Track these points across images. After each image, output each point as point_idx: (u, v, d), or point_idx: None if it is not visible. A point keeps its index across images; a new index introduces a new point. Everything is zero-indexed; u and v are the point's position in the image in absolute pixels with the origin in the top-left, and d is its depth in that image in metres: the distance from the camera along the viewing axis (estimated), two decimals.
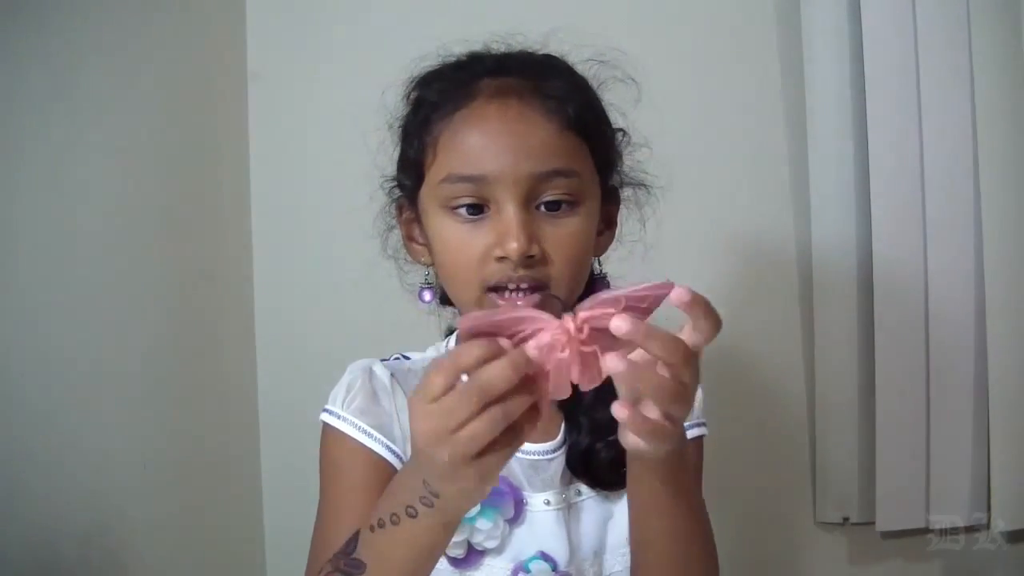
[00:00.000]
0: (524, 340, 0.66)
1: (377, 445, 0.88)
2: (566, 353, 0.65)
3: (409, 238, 0.94)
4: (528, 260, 0.83)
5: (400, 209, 0.95)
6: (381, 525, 0.74)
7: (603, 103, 0.93)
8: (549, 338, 0.65)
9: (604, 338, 0.65)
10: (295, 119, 1.47)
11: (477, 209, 0.84)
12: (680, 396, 0.66)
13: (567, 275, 0.85)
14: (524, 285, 0.83)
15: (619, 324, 0.62)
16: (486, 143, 0.84)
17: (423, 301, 0.93)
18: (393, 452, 0.88)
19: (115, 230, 1.18)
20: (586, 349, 0.65)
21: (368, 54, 1.45)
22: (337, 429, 0.89)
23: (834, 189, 1.43)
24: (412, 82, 0.93)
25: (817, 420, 1.44)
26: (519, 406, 0.65)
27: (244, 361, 1.44)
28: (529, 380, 0.65)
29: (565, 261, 0.84)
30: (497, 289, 0.84)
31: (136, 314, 1.21)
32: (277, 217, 1.47)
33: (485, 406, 0.64)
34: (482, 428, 0.64)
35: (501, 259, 0.83)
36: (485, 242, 0.84)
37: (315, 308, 1.45)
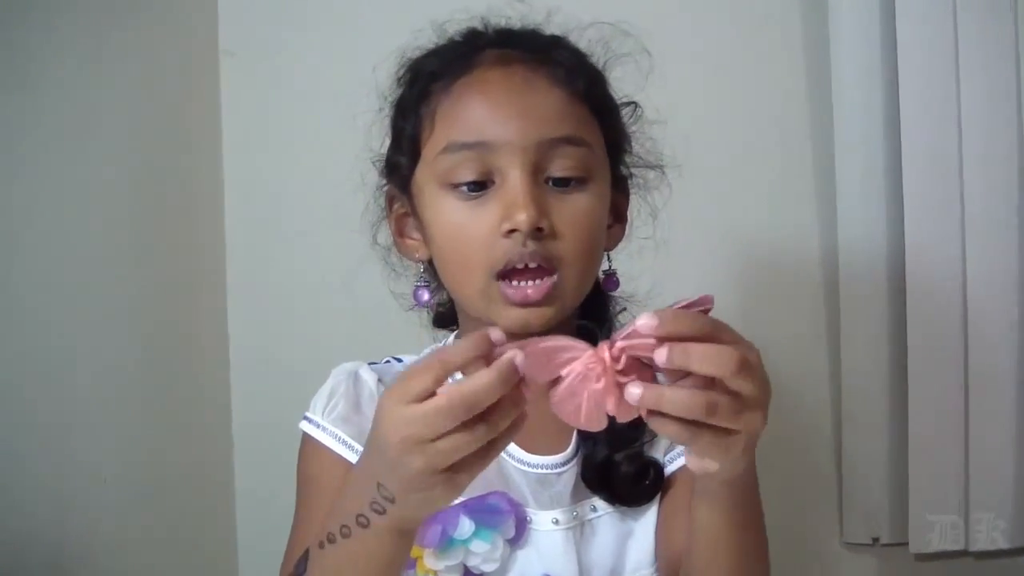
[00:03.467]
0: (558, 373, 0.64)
1: (353, 456, 0.83)
2: (601, 384, 0.63)
3: (400, 234, 0.90)
4: (537, 233, 0.78)
5: (391, 201, 0.90)
6: (331, 540, 0.70)
7: (610, 88, 0.90)
8: (582, 367, 0.63)
9: (642, 368, 0.63)
10: (272, 101, 1.40)
11: (479, 186, 0.80)
12: (734, 410, 0.61)
13: (578, 254, 0.81)
14: (533, 264, 0.79)
15: (661, 354, 0.60)
16: (489, 108, 0.81)
17: (420, 302, 0.89)
18: None
19: (77, 222, 1.12)
20: (623, 380, 0.63)
21: (352, 29, 1.39)
22: (315, 439, 0.85)
23: (862, 183, 1.35)
24: (405, 59, 0.90)
25: (844, 432, 1.37)
26: (504, 420, 0.63)
27: (217, 363, 1.39)
28: (514, 390, 0.63)
29: (576, 239, 0.80)
30: (506, 276, 0.79)
31: (99, 314, 1.16)
32: (253, 210, 1.41)
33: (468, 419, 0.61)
34: (463, 442, 0.62)
35: (509, 233, 0.78)
36: (490, 219, 0.80)
37: (293, 308, 1.39)
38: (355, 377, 0.88)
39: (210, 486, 1.36)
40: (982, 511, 1.31)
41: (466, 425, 0.62)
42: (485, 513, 0.81)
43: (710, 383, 0.62)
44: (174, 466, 1.26)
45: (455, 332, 0.93)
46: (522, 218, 0.78)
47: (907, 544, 1.34)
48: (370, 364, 0.90)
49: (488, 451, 0.64)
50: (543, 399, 0.74)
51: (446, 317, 0.97)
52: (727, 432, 0.62)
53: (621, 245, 0.93)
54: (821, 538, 1.41)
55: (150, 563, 1.19)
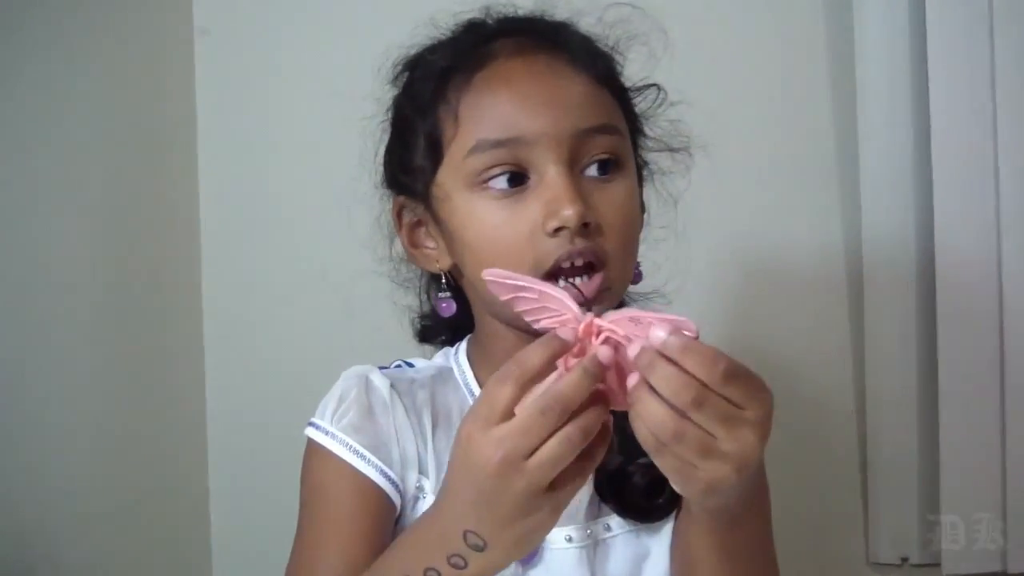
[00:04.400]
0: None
1: (371, 469, 0.81)
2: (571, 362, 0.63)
3: (414, 245, 0.87)
4: (584, 228, 0.77)
5: (399, 213, 0.87)
6: None
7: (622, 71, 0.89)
8: (557, 322, 0.64)
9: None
10: (252, 85, 1.36)
11: (516, 184, 0.78)
12: (701, 448, 0.60)
13: (623, 247, 0.79)
14: (583, 262, 0.77)
15: (659, 334, 0.59)
16: (518, 101, 0.79)
17: (443, 314, 0.88)
18: (389, 479, 0.82)
19: (44, 215, 1.11)
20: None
21: (343, 5, 1.35)
22: (324, 447, 0.82)
23: (888, 172, 1.28)
24: (400, 58, 0.88)
25: (869, 440, 1.31)
26: (596, 421, 0.62)
27: (192, 363, 1.36)
28: (598, 392, 0.62)
29: (619, 232, 0.79)
30: (552, 276, 0.77)
31: (68, 312, 1.14)
32: (229, 203, 1.36)
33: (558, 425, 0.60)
34: (561, 451, 0.61)
35: (557, 232, 0.76)
36: (532, 217, 0.77)
37: (271, 306, 1.35)
38: (366, 382, 0.85)
39: (184, 487, 1.34)
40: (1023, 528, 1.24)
41: (560, 435, 0.60)
42: None
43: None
44: (147, 469, 1.24)
45: (466, 340, 0.91)
46: (569, 213, 0.76)
47: (940, 565, 1.28)
48: (380, 368, 0.87)
49: (586, 461, 0.63)
50: None
51: (430, 331, 0.96)
52: (691, 465, 0.61)
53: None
54: (845, 557, 1.35)
55: (123, 566, 1.18)
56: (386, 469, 0.82)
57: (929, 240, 1.26)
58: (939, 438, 1.25)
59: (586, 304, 0.75)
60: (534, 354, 0.62)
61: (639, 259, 0.86)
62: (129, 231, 1.24)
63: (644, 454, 0.77)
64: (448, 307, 0.87)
